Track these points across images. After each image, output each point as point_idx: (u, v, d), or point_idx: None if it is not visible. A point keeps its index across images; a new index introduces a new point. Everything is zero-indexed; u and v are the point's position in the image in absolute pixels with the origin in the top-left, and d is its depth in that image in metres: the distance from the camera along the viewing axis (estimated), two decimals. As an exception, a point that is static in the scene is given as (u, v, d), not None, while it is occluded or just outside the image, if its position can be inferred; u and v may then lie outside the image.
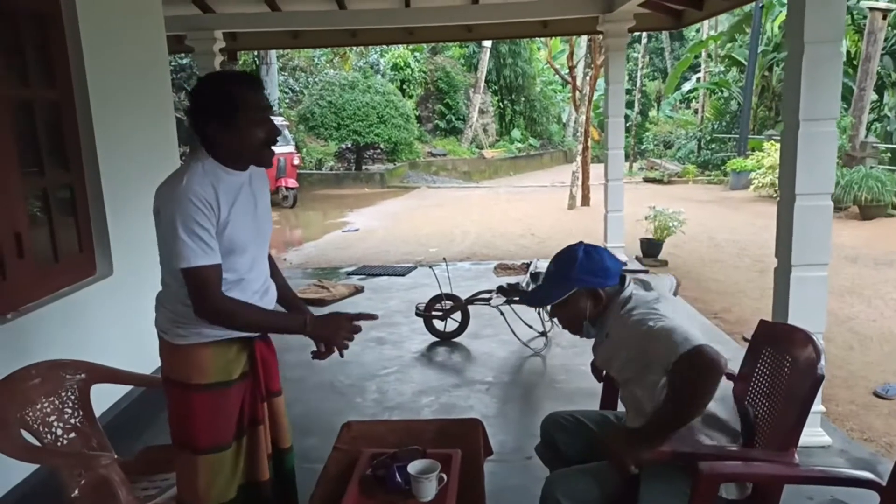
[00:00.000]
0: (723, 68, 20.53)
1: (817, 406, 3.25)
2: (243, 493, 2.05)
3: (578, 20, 7.27)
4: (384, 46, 19.44)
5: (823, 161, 3.05)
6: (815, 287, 3.15)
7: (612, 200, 7.10)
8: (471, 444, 2.30)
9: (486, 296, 4.83)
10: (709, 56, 21.57)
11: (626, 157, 21.90)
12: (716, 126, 19.47)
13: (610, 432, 2.01)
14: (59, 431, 2.31)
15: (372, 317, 2.02)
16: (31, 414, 2.22)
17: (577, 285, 1.99)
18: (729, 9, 6.59)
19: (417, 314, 4.98)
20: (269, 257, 2.18)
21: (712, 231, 10.02)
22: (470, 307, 4.92)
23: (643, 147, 22.03)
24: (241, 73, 1.95)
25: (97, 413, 3.16)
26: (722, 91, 19.52)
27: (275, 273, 2.20)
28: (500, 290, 4.64)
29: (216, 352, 1.94)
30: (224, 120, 1.81)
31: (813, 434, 3.23)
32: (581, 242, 2.10)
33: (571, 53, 12.96)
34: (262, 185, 2.06)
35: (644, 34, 20.70)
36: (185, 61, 16.21)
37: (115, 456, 2.45)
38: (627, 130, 22.45)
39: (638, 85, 21.84)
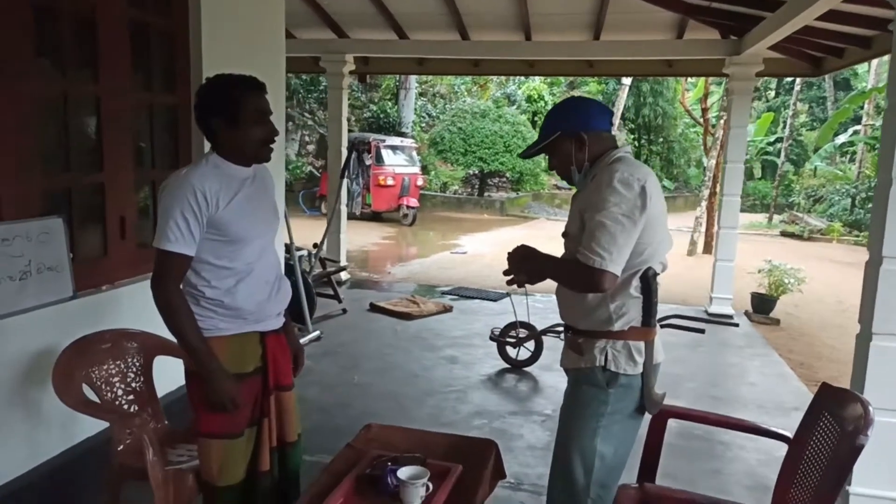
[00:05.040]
0: (887, 122, 18.77)
1: (885, 491, 2.94)
2: (247, 479, 2.15)
3: (704, 61, 7.07)
4: (521, 78, 19.71)
5: (918, 222, 2.80)
6: (898, 359, 2.89)
7: (722, 249, 6.78)
8: (477, 463, 2.33)
9: (561, 328, 4.78)
10: (876, 108, 19.84)
11: (767, 208, 20.64)
12: (874, 184, 17.81)
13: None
14: (120, 392, 2.60)
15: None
16: (96, 373, 2.53)
17: (559, 129, 2.03)
18: (871, 58, 6.12)
19: (491, 338, 5.03)
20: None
21: (844, 295, 9.18)
22: (545, 338, 4.90)
23: (791, 199, 20.58)
24: (244, 77, 2.01)
25: (171, 388, 3.49)
26: (884, 146, 17.84)
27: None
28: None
29: (231, 346, 2.05)
30: (226, 119, 1.96)
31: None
32: (572, 96, 2.15)
33: (706, 95, 12.47)
34: (268, 182, 2.21)
35: (797, 81, 19.44)
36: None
37: (165, 421, 2.73)
38: (772, 180, 21.24)
39: (787, 133, 20.50)
